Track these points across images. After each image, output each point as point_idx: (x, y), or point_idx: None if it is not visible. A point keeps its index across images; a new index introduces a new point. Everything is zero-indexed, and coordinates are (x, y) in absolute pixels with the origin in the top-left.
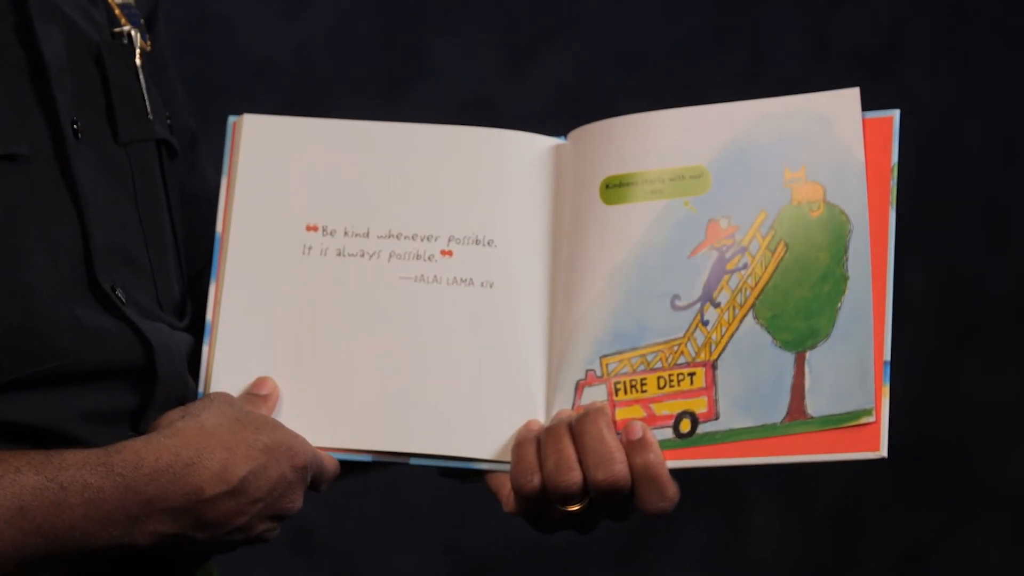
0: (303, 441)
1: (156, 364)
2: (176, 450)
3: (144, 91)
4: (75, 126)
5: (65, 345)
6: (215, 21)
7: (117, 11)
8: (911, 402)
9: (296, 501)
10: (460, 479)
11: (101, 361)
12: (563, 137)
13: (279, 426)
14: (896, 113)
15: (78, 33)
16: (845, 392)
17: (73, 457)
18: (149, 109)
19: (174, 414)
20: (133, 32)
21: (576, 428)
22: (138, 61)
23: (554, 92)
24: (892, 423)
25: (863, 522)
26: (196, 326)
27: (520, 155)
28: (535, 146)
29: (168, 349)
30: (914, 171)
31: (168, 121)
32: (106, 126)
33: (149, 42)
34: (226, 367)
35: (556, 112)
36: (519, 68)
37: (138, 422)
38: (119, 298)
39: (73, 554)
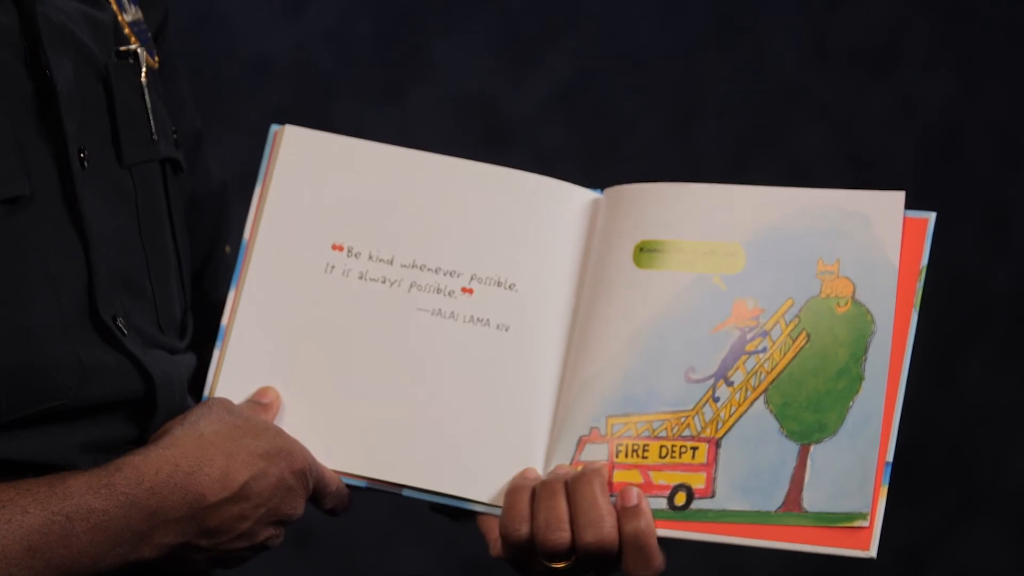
0: (301, 447)
1: (156, 395)
2: (175, 461)
3: (150, 111)
4: (82, 155)
5: (65, 384)
6: (215, 21)
7: (127, 29)
8: (911, 402)
9: (298, 507)
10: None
11: (101, 396)
12: (599, 191)
13: (279, 432)
14: (932, 216)
15: (87, 56)
16: (843, 492)
17: (76, 483)
18: (154, 129)
19: (172, 424)
20: (140, 51)
21: (571, 487)
22: (144, 79)
23: (554, 92)
24: None
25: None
26: (197, 336)
27: (555, 204)
28: (571, 197)
29: (168, 379)
30: (915, 171)
31: (174, 135)
32: (111, 149)
33: (156, 58)
34: (234, 373)
35: (556, 112)
36: (519, 68)
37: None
38: (120, 329)
39: None
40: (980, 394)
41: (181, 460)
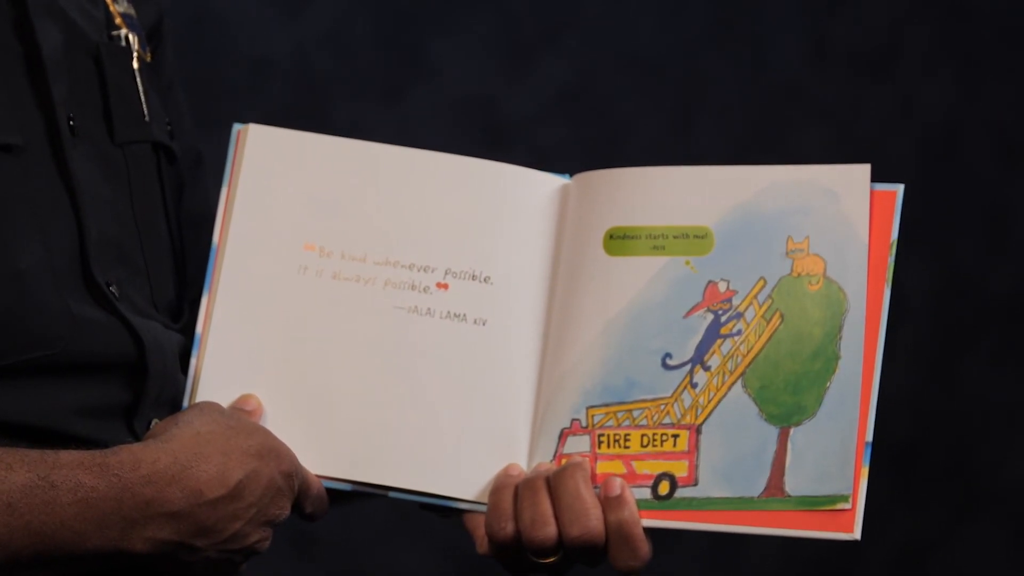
0: (288, 449)
1: (147, 359)
2: (174, 454)
3: (141, 93)
4: (71, 122)
5: (55, 334)
6: (215, 21)
7: (118, 19)
8: (911, 402)
9: (285, 508)
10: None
11: (91, 353)
12: (568, 176)
13: (268, 432)
14: (900, 188)
15: (77, 32)
16: (824, 475)
17: (68, 457)
18: (146, 112)
19: (167, 423)
20: (131, 36)
21: (553, 482)
22: (135, 64)
23: (554, 92)
24: (892, 421)
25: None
26: (191, 331)
27: (525, 193)
28: (541, 185)
29: (160, 346)
30: (915, 171)
31: (168, 127)
32: (103, 125)
33: (149, 53)
34: (213, 381)
35: (556, 112)
36: (519, 68)
37: (131, 418)
38: (113, 293)
39: (67, 555)
40: (980, 394)
41: (179, 453)
